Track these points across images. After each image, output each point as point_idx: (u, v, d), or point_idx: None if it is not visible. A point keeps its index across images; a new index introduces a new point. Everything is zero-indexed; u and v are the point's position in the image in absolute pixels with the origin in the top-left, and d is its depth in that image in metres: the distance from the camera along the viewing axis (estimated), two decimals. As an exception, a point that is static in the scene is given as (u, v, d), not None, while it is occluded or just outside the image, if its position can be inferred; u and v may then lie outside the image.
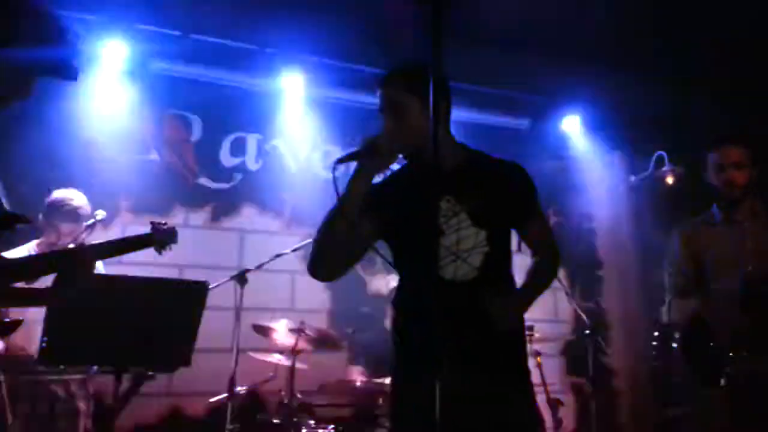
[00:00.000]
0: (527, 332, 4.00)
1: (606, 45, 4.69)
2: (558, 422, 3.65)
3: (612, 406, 5.35)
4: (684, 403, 4.31)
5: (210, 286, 3.31)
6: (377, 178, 1.93)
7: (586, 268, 5.65)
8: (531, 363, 4.03)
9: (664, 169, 5.15)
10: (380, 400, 3.61)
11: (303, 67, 4.74)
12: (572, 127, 5.62)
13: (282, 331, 3.57)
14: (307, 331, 3.53)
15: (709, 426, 2.53)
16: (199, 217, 4.55)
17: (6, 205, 1.78)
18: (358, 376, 3.95)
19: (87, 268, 2.00)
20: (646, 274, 5.51)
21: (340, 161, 1.81)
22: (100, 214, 3.26)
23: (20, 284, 1.99)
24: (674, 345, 3.57)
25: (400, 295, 2.00)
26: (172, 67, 4.60)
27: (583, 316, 4.42)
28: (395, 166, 2.00)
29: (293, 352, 3.53)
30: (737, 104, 4.96)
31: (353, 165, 1.85)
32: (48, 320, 2.26)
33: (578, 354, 5.15)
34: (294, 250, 3.76)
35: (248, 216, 4.67)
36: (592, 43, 4.66)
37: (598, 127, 5.62)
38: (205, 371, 3.76)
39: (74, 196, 3.30)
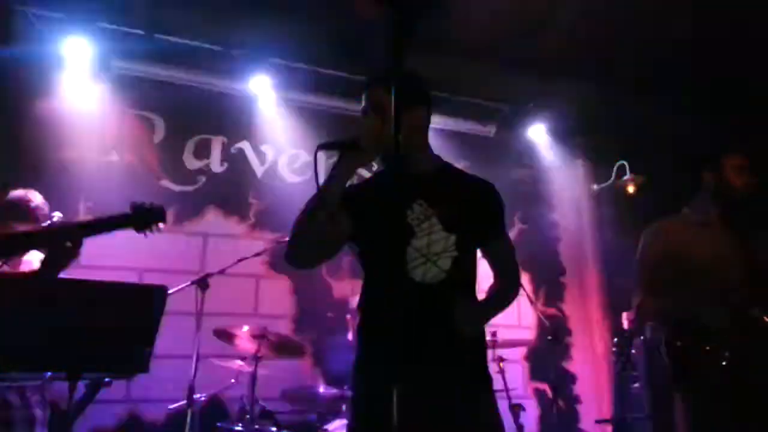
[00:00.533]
0: (491, 338, 4.09)
1: (571, 55, 4.78)
2: (519, 428, 3.68)
3: (573, 411, 5.42)
4: (643, 407, 4.41)
5: (170, 291, 3.27)
6: (355, 180, 1.98)
7: (550, 274, 5.72)
8: (494, 368, 4.08)
9: (626, 177, 5.26)
10: (344, 407, 3.59)
11: (270, 69, 4.72)
12: (538, 135, 5.70)
13: (244, 337, 3.53)
14: (270, 337, 3.49)
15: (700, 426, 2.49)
16: (161, 219, 4.46)
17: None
18: (321, 383, 3.91)
19: (75, 247, 1.97)
20: (608, 282, 5.62)
21: (321, 147, 1.84)
22: (57, 215, 3.17)
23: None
24: (633, 351, 3.64)
25: (366, 298, 2.01)
26: (137, 67, 4.53)
27: (546, 322, 4.48)
28: (373, 168, 2.03)
29: (255, 358, 3.49)
30: (697, 115, 5.10)
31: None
32: (-3, 324, 2.18)
33: (541, 359, 5.22)
34: (257, 255, 3.72)
35: (212, 219, 4.60)
36: (558, 54, 4.75)
37: (562, 135, 5.71)
38: (165, 377, 3.70)
39: (32, 197, 3.21)
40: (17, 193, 3.21)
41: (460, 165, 2.23)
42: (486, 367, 2.00)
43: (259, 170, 4.85)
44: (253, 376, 3.47)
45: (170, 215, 4.47)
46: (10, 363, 2.40)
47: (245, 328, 3.53)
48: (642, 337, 4.23)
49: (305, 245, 1.92)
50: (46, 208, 3.23)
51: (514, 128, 5.65)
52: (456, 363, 1.90)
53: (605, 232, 5.70)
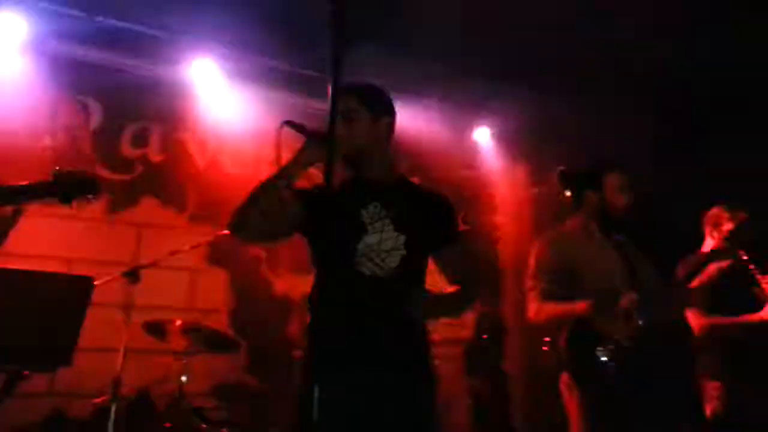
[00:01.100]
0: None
1: (515, 61, 4.86)
2: (451, 425, 3.73)
3: (506, 409, 5.53)
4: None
5: (97, 282, 3.17)
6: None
7: (489, 275, 5.81)
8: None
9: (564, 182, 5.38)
10: (277, 403, 3.57)
11: (215, 58, 4.61)
12: (482, 138, 5.78)
13: (176, 331, 3.45)
14: (203, 332, 3.43)
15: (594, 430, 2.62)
16: (93, 208, 4.28)
17: None
18: (255, 379, 3.86)
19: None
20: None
21: (288, 124, 1.93)
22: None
23: None
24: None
25: (316, 291, 2.06)
26: (75, 49, 4.35)
27: (483, 321, 4.56)
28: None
29: (187, 353, 3.42)
30: (638, 121, 5.25)
31: None
32: None
33: (476, 358, 5.31)
34: (193, 247, 3.64)
35: (148, 210, 4.47)
36: (502, 58, 4.82)
37: (506, 139, 5.81)
38: (92, 371, 3.60)
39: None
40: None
41: (404, 164, 2.30)
42: (431, 366, 2.08)
43: (199, 161, 4.75)
44: (184, 372, 3.40)
45: (104, 204, 4.35)
46: None
47: (178, 322, 3.45)
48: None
49: (255, 213, 1.94)
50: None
51: (459, 130, 5.71)
52: (402, 357, 1.97)
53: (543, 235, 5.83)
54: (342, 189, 2.12)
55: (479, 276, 2.26)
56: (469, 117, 5.64)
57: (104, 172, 4.39)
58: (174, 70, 4.59)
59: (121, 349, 3.28)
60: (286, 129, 1.94)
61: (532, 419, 5.52)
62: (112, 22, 4.23)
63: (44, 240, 3.81)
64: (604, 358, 2.53)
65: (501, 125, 5.69)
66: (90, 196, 2.17)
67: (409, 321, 1.97)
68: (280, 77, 4.75)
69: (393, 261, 2.01)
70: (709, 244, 3.27)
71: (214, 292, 4.44)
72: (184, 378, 3.41)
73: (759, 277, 3.08)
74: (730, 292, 3.15)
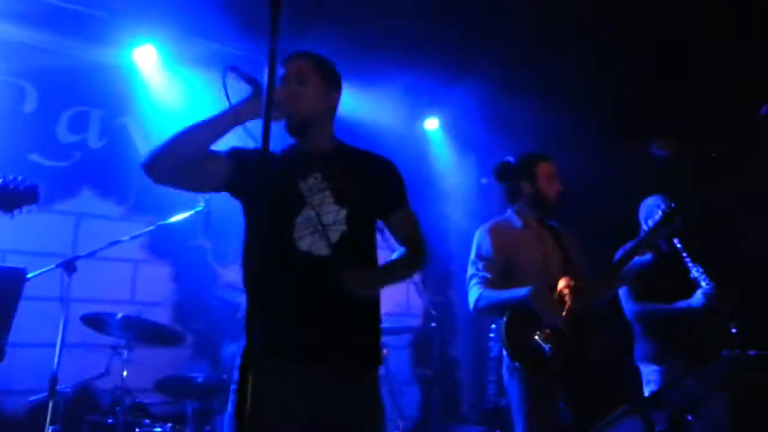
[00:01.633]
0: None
1: (466, 51, 4.87)
2: (399, 412, 3.75)
3: (455, 396, 5.61)
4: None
5: (31, 274, 3.04)
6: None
7: (439, 263, 5.86)
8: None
9: (511, 172, 5.45)
10: (223, 396, 3.50)
11: (157, 39, 4.43)
12: (433, 128, 5.79)
13: (115, 325, 3.33)
14: (144, 325, 3.33)
15: (535, 412, 2.71)
16: (29, 196, 4.11)
17: None
18: (200, 372, 3.77)
19: None
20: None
21: (233, 70, 1.82)
22: None
23: None
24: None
25: (250, 271, 1.92)
26: (8, 28, 4.11)
27: (432, 310, 4.58)
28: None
29: (128, 347, 3.32)
30: (581, 116, 5.36)
31: None
32: None
33: (426, 346, 5.35)
34: (133, 238, 3.51)
35: (87, 199, 4.28)
36: (453, 48, 4.82)
37: (456, 130, 5.84)
38: (27, 367, 3.47)
39: None
40: None
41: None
42: (376, 347, 1.99)
43: (142, 147, 4.59)
44: (125, 366, 3.30)
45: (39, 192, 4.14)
46: None
47: (119, 315, 3.34)
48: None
49: (172, 155, 1.85)
50: None
51: (410, 120, 5.71)
52: (344, 338, 1.87)
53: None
54: (281, 158, 2.01)
55: (424, 239, 2.16)
56: (419, 107, 5.64)
57: (40, 159, 4.19)
58: (115, 52, 4.40)
59: (58, 344, 3.15)
60: (233, 77, 1.82)
61: (475, 405, 5.62)
62: (49, 1, 4.02)
63: (-26, 231, 3.62)
64: (541, 343, 2.61)
65: (451, 115, 5.70)
66: (31, 206, 2.13)
67: (351, 302, 1.85)
68: (227, 61, 4.61)
69: (333, 236, 1.89)
70: (643, 233, 3.40)
71: (157, 284, 4.31)
72: (125, 373, 3.31)
73: (690, 264, 3.21)
74: (662, 280, 3.27)
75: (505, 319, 2.71)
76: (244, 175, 1.92)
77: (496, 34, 4.64)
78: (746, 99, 4.09)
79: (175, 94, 4.62)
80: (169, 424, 3.36)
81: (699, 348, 3.16)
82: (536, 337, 2.63)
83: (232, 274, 4.58)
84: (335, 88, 2.06)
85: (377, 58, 4.80)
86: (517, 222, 3.00)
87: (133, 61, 4.47)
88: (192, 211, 3.54)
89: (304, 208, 1.90)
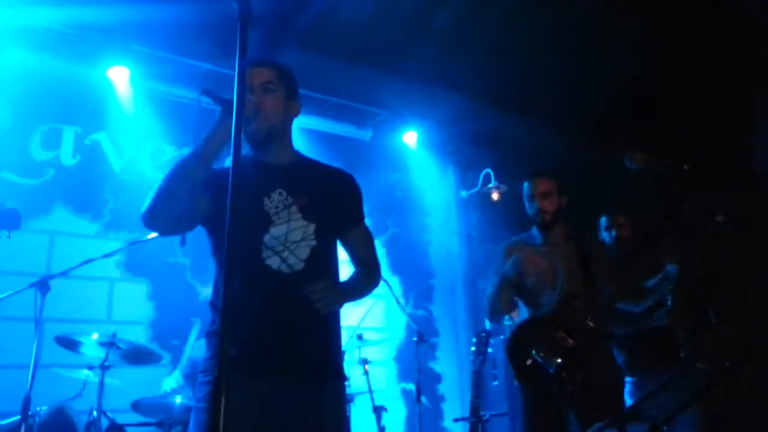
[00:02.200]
0: (358, 339, 4.11)
1: (445, 66, 4.91)
2: (381, 429, 3.71)
3: (438, 409, 5.57)
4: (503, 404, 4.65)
5: (3, 295, 2.96)
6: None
7: (420, 277, 5.85)
8: (359, 371, 4.09)
9: (490, 185, 5.49)
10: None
11: (131, 57, 4.40)
12: (411, 141, 5.81)
13: (90, 345, 3.26)
14: (120, 344, 3.26)
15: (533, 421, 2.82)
16: (0, 215, 4.02)
17: None
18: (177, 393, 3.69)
19: None
20: (473, 284, 5.84)
21: (207, 93, 1.76)
22: None
23: None
24: (490, 350, 3.86)
25: (218, 292, 1.87)
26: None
27: (413, 324, 4.56)
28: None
29: (103, 367, 3.24)
30: (563, 131, 5.42)
31: None
32: None
33: (408, 361, 5.32)
34: (107, 256, 3.43)
35: (60, 217, 4.20)
36: (433, 63, 4.86)
37: (435, 143, 5.87)
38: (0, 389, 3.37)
39: None
40: None
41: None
42: (339, 362, 1.97)
43: (116, 164, 4.52)
44: (101, 387, 3.22)
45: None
46: None
47: (95, 334, 3.26)
48: (502, 337, 4.49)
49: (169, 202, 1.75)
50: None
51: (390, 134, 5.72)
52: (311, 354, 1.85)
53: (472, 237, 5.93)
54: (243, 175, 1.97)
55: (377, 258, 2.13)
56: (398, 121, 5.65)
57: (11, 176, 4.10)
58: (89, 69, 4.35)
59: (32, 365, 3.06)
60: (206, 102, 1.76)
61: (458, 419, 5.60)
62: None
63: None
64: (544, 362, 2.66)
65: (430, 129, 5.73)
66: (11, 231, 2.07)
67: (320, 319, 1.81)
68: (202, 77, 4.59)
69: (303, 253, 1.86)
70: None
71: (134, 303, 4.23)
72: (102, 393, 3.22)
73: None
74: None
75: (508, 340, 2.81)
76: (216, 202, 1.83)
77: (472, 44, 4.70)
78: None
79: (149, 112, 4.57)
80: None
81: (666, 359, 3.24)
82: (539, 357, 2.68)
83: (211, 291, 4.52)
84: (296, 101, 2.02)
85: (357, 71, 4.82)
86: (537, 239, 3.08)
87: (107, 77, 4.42)
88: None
89: (271, 226, 1.86)
